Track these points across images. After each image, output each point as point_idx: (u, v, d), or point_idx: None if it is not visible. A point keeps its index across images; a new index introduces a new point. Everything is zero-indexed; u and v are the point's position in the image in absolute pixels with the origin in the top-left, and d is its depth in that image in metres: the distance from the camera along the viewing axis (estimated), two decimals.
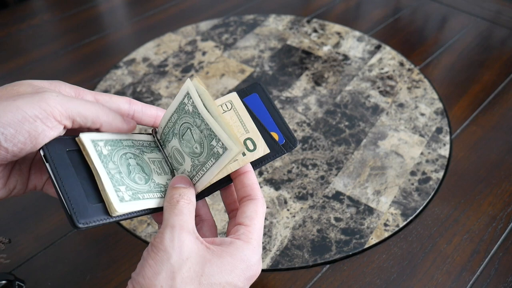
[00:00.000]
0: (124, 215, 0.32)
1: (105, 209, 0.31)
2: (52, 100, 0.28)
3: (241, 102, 0.36)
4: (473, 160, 0.65)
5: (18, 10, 0.96)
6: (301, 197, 0.59)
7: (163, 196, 0.34)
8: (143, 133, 0.38)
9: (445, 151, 0.66)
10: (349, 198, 0.59)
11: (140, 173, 0.34)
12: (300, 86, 0.76)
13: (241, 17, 0.93)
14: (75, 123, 0.30)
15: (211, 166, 0.33)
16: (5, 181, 0.32)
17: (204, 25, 0.91)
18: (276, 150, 0.36)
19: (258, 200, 0.33)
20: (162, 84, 0.77)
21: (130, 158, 0.34)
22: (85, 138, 0.32)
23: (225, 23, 0.91)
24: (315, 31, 0.89)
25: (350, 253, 0.54)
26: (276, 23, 0.91)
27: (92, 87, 0.76)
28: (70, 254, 0.53)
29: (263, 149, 0.35)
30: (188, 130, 0.33)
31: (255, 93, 0.38)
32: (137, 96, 0.74)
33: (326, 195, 0.60)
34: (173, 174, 0.36)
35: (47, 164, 0.30)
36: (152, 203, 0.33)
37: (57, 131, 0.30)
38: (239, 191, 0.34)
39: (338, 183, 0.61)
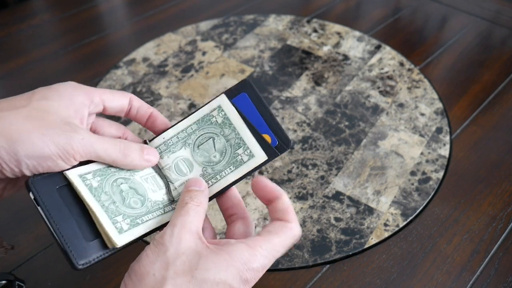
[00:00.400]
0: (130, 242, 0.32)
1: (104, 243, 0.31)
2: (77, 144, 0.30)
3: (230, 105, 0.35)
4: (473, 160, 0.65)
5: (18, 10, 0.96)
6: (301, 197, 0.59)
7: (163, 212, 0.35)
8: None
9: (445, 151, 0.66)
10: (349, 198, 0.59)
11: (134, 196, 0.33)
12: (300, 86, 0.77)
13: (241, 17, 0.93)
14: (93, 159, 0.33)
15: (229, 173, 0.34)
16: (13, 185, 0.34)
17: (204, 25, 0.91)
18: (270, 153, 0.35)
19: (288, 222, 0.32)
20: (162, 84, 0.77)
21: (121, 184, 0.33)
22: (72, 175, 0.31)
23: (225, 23, 0.91)
24: (315, 31, 0.89)
25: (350, 253, 0.54)
26: (276, 23, 0.91)
27: (92, 87, 0.76)
28: None
29: (263, 155, 0.35)
30: (211, 139, 0.35)
31: (244, 93, 0.36)
32: (137, 96, 0.74)
33: (326, 195, 0.60)
34: (167, 188, 0.36)
35: (38, 208, 0.30)
36: (152, 224, 0.33)
37: (72, 165, 0.32)
38: (272, 213, 0.33)
39: (338, 183, 0.61)
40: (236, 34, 0.88)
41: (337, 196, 0.60)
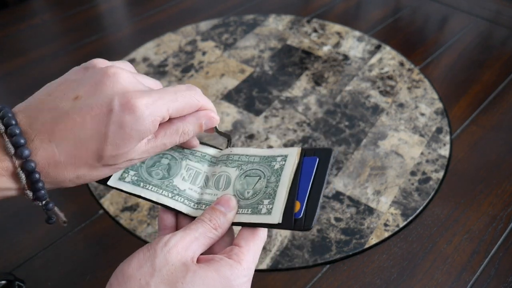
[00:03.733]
0: (119, 188, 0.36)
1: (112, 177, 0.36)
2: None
3: (294, 163, 0.34)
4: (473, 160, 0.65)
5: (18, 10, 0.96)
6: None
7: (171, 197, 0.35)
8: (207, 145, 0.39)
9: (445, 151, 0.66)
10: (349, 198, 0.59)
11: (162, 170, 0.36)
12: (300, 86, 0.76)
13: (241, 17, 0.93)
14: None
15: (243, 214, 0.34)
16: None
17: (204, 25, 0.91)
18: (286, 221, 0.32)
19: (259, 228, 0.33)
20: (162, 84, 0.76)
21: (165, 158, 0.37)
22: None
23: (225, 23, 0.91)
24: (315, 31, 0.89)
25: (350, 253, 0.54)
26: (276, 23, 0.91)
27: None
28: (70, 254, 0.53)
29: (277, 218, 0.32)
30: (258, 177, 0.35)
31: (316, 157, 0.34)
32: None
33: (326, 195, 0.60)
34: (198, 188, 0.37)
35: None
36: (150, 195, 0.35)
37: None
38: None
39: (338, 183, 0.61)
40: (236, 34, 0.88)
41: (337, 196, 0.60)
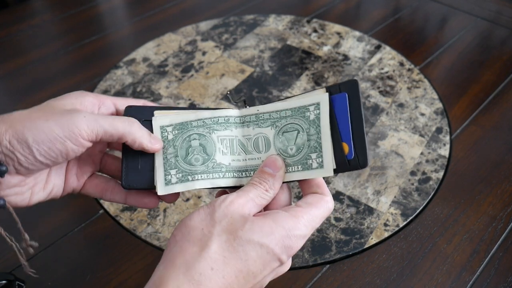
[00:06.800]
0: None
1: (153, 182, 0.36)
2: (80, 122, 0.32)
3: (327, 107, 0.34)
4: (473, 160, 0.65)
5: (18, 10, 0.96)
6: (301, 197, 0.59)
7: (221, 176, 0.36)
8: (224, 108, 0.38)
9: (445, 151, 0.66)
10: (349, 198, 0.59)
11: (199, 153, 0.36)
12: (300, 86, 0.77)
13: (241, 17, 0.93)
14: (103, 140, 0.33)
15: (295, 171, 0.34)
16: (43, 185, 0.35)
17: (204, 25, 0.91)
18: (340, 166, 0.32)
19: (324, 196, 0.34)
20: (162, 84, 0.77)
21: (194, 139, 0.36)
22: (155, 125, 0.36)
23: (225, 23, 0.91)
24: (315, 31, 0.89)
25: (350, 253, 0.54)
26: (276, 23, 0.91)
27: (92, 87, 0.76)
28: (70, 254, 0.53)
29: (331, 169, 0.33)
30: (296, 132, 0.35)
31: (345, 93, 0.33)
32: (137, 96, 0.74)
33: None
34: (239, 156, 0.36)
35: None
36: (203, 184, 0.35)
37: (84, 147, 0.33)
38: (306, 189, 0.35)
39: (338, 183, 0.61)
40: (236, 34, 0.88)
41: (337, 196, 0.60)
